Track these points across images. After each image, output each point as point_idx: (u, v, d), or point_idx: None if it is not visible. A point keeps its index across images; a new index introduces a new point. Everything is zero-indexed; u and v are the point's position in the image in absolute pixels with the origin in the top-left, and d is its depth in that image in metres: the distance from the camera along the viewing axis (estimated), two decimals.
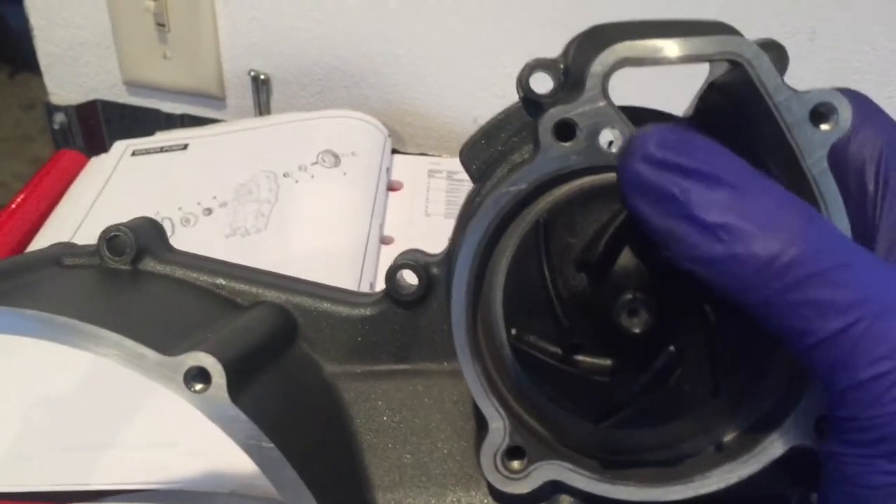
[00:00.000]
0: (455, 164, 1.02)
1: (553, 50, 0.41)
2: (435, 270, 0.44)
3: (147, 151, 1.01)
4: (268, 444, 0.37)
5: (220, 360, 0.36)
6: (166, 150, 1.00)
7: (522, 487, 0.41)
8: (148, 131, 1.09)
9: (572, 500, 0.41)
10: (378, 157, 0.97)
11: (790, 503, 0.41)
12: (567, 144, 0.36)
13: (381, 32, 1.04)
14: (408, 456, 0.43)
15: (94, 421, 0.67)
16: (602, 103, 0.36)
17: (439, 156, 1.07)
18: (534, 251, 0.38)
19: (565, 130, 0.36)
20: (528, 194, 0.38)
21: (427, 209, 0.96)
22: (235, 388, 0.37)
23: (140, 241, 0.43)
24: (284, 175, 0.92)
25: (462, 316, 0.39)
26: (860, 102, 0.40)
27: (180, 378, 0.36)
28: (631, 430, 0.41)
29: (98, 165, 1.01)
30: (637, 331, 0.36)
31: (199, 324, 0.40)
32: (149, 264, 0.44)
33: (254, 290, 0.44)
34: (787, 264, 0.32)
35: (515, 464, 0.40)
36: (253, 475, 0.60)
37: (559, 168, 0.37)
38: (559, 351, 0.39)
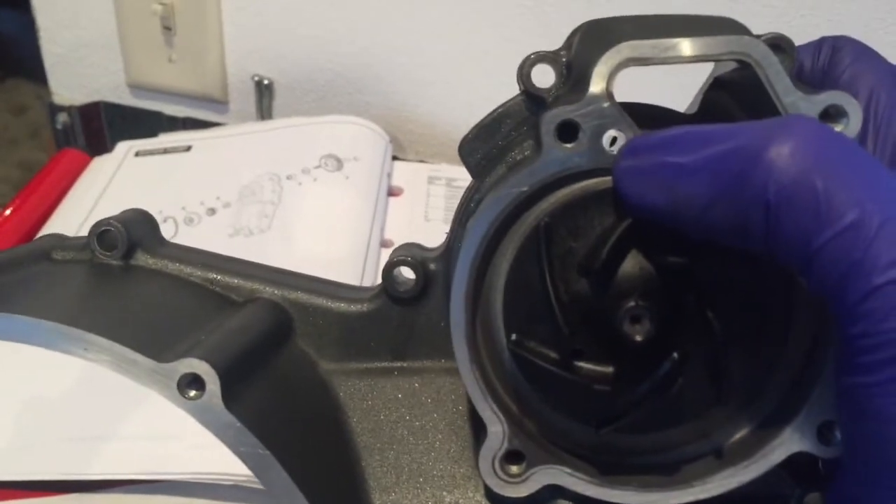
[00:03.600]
0: (454, 171, 1.03)
1: None
2: (432, 266, 0.43)
3: (150, 152, 1.01)
4: (263, 451, 0.37)
5: (213, 366, 0.35)
6: (170, 152, 1.00)
7: (521, 491, 0.40)
8: (150, 133, 1.09)
9: None
10: (380, 163, 0.97)
11: (790, 502, 0.40)
12: (569, 146, 0.36)
13: (383, 41, 1.04)
14: (405, 456, 0.43)
15: (97, 412, 0.66)
16: (606, 104, 0.35)
17: (438, 163, 1.07)
18: (535, 255, 0.37)
19: (568, 131, 0.35)
20: (530, 196, 0.37)
21: (427, 214, 0.96)
22: (229, 395, 0.36)
23: (132, 235, 0.42)
24: (288, 177, 0.92)
25: (461, 319, 0.38)
26: (855, 44, 0.41)
27: (174, 385, 0.36)
28: (631, 435, 0.40)
29: (101, 165, 1.01)
30: (639, 339, 0.35)
31: (192, 323, 0.40)
32: (141, 259, 0.43)
33: (248, 285, 0.44)
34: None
35: (514, 468, 0.40)
36: None
37: (561, 170, 0.36)
38: (559, 357, 0.38)
